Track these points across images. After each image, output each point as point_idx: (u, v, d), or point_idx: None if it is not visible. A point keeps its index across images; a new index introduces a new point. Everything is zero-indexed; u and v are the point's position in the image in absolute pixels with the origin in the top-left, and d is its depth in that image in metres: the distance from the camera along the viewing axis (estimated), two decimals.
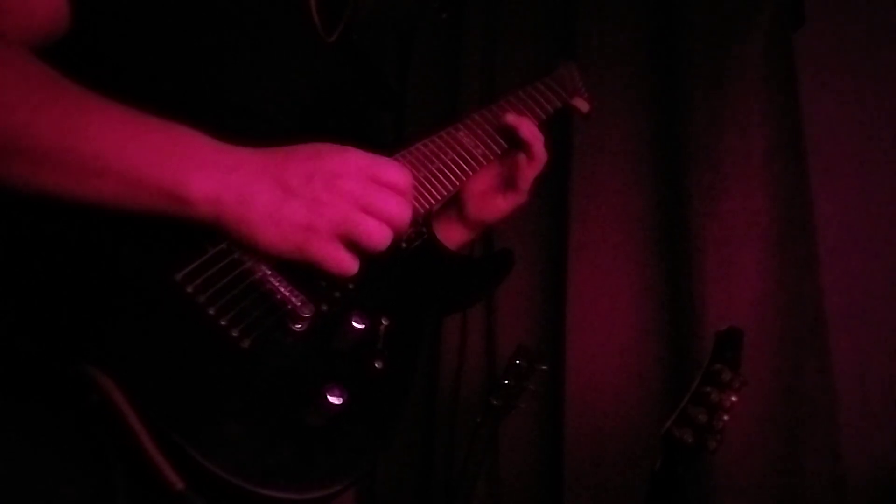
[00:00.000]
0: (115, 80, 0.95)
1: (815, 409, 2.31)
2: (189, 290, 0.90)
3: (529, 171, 1.40)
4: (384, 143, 1.27)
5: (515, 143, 1.39)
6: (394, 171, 0.98)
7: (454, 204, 1.43)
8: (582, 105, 1.57)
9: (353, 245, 0.95)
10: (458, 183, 1.30)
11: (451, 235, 1.42)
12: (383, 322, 1.05)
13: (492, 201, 1.41)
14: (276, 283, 0.96)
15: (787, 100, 2.46)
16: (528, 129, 1.37)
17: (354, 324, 1.00)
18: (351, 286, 1.05)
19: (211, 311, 0.90)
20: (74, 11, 0.97)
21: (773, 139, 2.46)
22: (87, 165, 0.86)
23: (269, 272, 0.96)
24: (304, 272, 0.98)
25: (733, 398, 1.62)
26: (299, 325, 0.96)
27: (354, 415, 0.95)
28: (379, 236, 0.95)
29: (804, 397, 2.33)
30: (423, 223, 1.24)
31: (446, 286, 1.31)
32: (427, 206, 1.24)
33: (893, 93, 2.44)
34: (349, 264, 0.95)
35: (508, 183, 1.40)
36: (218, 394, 0.87)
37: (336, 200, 0.93)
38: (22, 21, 0.94)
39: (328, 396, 0.91)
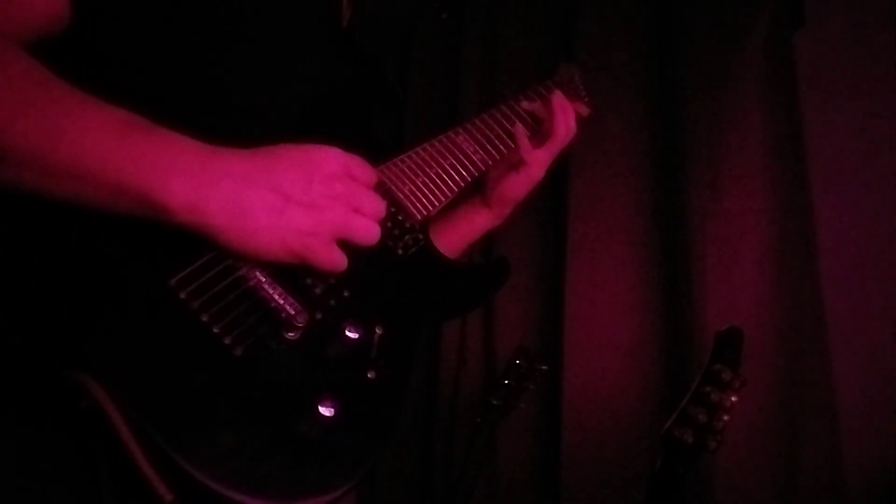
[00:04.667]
0: (114, 78, 0.95)
1: (815, 409, 2.31)
2: (182, 295, 0.89)
3: (543, 152, 1.41)
4: (385, 144, 1.27)
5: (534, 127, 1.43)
6: (365, 169, 1.02)
7: (477, 190, 1.44)
8: (581, 109, 1.55)
9: (344, 243, 0.98)
10: (455, 189, 1.29)
11: (478, 220, 1.45)
12: (377, 331, 1.05)
13: (510, 180, 1.41)
14: (271, 291, 0.95)
15: (787, 100, 2.46)
16: (558, 101, 1.41)
17: (348, 333, 1.00)
18: (346, 294, 1.04)
19: (204, 318, 0.89)
20: (74, 8, 0.97)
21: (773, 139, 2.46)
22: (66, 168, 0.85)
23: (263, 279, 0.96)
24: (298, 278, 0.99)
25: (733, 398, 1.62)
26: (293, 334, 0.95)
27: (347, 426, 0.94)
28: (373, 232, 1.00)
29: (804, 397, 2.33)
30: (419, 230, 1.22)
31: (442, 293, 1.29)
32: (425, 213, 1.23)
33: (893, 93, 2.44)
34: (343, 262, 0.98)
35: (521, 161, 1.41)
36: (209, 403, 0.86)
37: (333, 204, 0.96)
38: (20, 16, 0.94)
39: (320, 407, 0.91)
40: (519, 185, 1.41)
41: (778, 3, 2.48)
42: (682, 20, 2.58)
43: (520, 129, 1.39)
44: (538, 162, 1.41)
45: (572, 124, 1.43)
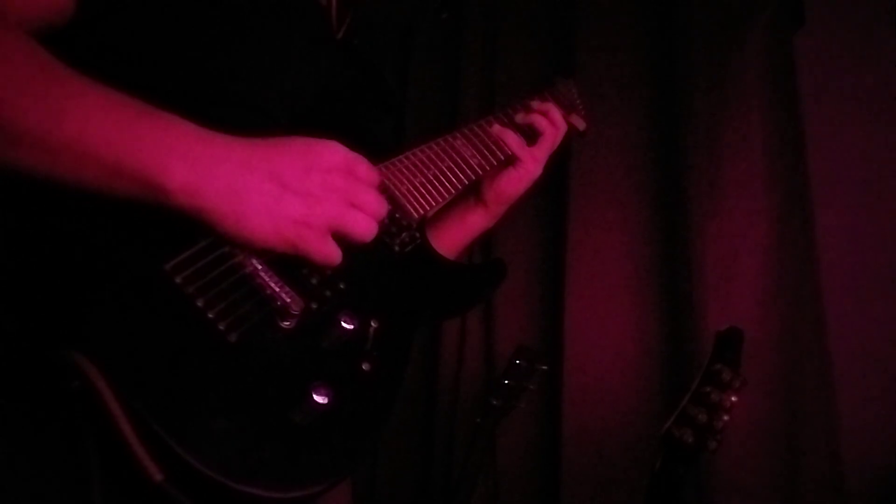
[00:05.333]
0: (118, 67, 0.95)
1: (815, 409, 2.31)
2: (178, 280, 0.89)
3: (536, 149, 1.45)
4: (384, 145, 1.27)
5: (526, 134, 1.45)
6: (368, 168, 1.02)
7: (472, 190, 1.45)
8: (578, 122, 1.59)
9: (339, 237, 0.98)
10: (452, 191, 1.31)
11: (473, 221, 1.45)
12: (373, 324, 1.05)
13: (506, 177, 1.43)
14: (267, 279, 0.96)
15: (787, 99, 2.46)
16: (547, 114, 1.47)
17: (343, 324, 1.00)
18: (342, 285, 1.05)
19: (199, 303, 0.90)
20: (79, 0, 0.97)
21: (773, 139, 2.46)
22: (66, 148, 0.86)
23: (259, 266, 0.96)
24: (294, 268, 0.99)
25: (733, 398, 1.62)
26: (288, 322, 0.96)
27: (340, 415, 0.94)
28: (367, 229, 0.99)
29: (804, 397, 2.33)
30: (416, 228, 1.23)
31: (438, 292, 1.30)
32: (421, 212, 1.24)
33: (893, 92, 2.44)
34: (337, 256, 0.98)
35: (515, 158, 1.43)
36: (202, 387, 0.86)
37: (329, 196, 0.95)
38: (23, 6, 0.94)
39: (314, 395, 0.91)
40: (515, 182, 1.44)
41: (778, 3, 2.48)
42: (682, 20, 2.58)
43: (508, 133, 1.42)
44: (532, 158, 1.43)
45: (557, 120, 1.48)
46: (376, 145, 1.21)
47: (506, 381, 2.34)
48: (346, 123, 1.23)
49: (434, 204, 1.27)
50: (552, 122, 1.47)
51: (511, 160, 1.43)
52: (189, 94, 1.02)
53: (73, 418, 0.84)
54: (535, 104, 1.50)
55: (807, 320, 2.36)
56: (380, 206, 1.01)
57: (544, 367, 2.39)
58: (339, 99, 1.24)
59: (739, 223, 2.45)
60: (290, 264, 0.98)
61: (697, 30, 2.55)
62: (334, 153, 0.98)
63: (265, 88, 1.12)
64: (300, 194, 0.93)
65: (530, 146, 1.44)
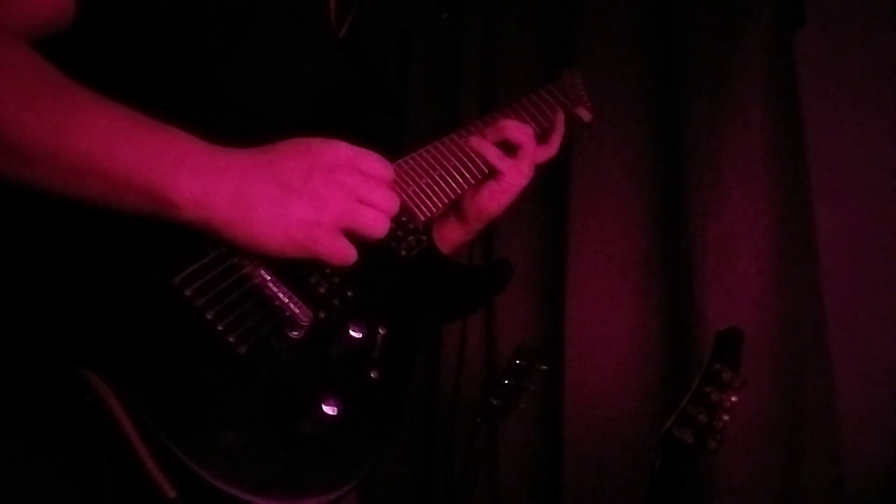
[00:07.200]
0: (118, 76, 0.95)
1: (815, 409, 2.31)
2: (187, 293, 0.89)
3: (520, 162, 1.37)
4: (387, 146, 1.27)
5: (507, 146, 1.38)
6: (378, 163, 0.99)
7: (452, 206, 1.40)
8: (584, 114, 1.57)
9: (351, 235, 0.96)
10: (459, 191, 1.30)
11: (450, 235, 1.41)
12: (381, 331, 1.05)
13: (487, 193, 1.37)
14: (275, 289, 0.96)
15: (788, 100, 2.46)
16: (518, 131, 1.37)
17: (352, 332, 1.00)
18: (350, 293, 1.05)
19: (209, 316, 0.90)
20: (80, 5, 0.97)
21: (773, 140, 2.46)
22: (73, 164, 0.85)
23: (268, 277, 0.96)
24: (302, 278, 0.99)
25: (733, 398, 1.62)
26: (296, 333, 0.96)
27: (349, 424, 0.95)
28: (379, 224, 0.97)
29: (804, 397, 2.33)
30: (422, 231, 1.23)
31: (445, 295, 1.30)
32: (428, 214, 1.24)
33: (893, 93, 2.44)
34: (351, 254, 0.96)
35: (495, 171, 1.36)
36: (213, 400, 0.87)
37: (335, 193, 0.94)
38: (26, 13, 0.94)
39: (323, 406, 0.92)
40: (497, 196, 1.37)
41: (778, 3, 2.48)
42: (682, 20, 2.58)
43: (484, 143, 1.35)
44: (517, 171, 1.37)
45: (526, 131, 1.39)
46: (379, 145, 1.21)
47: (506, 382, 2.34)
48: (348, 124, 1.22)
49: (441, 205, 1.27)
50: (524, 131, 1.38)
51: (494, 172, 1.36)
52: (191, 99, 1.02)
53: (85, 433, 0.84)
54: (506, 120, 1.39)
55: (807, 320, 2.36)
56: (390, 201, 0.99)
57: (544, 368, 2.39)
58: (341, 99, 1.23)
59: (739, 223, 2.45)
60: (297, 273, 0.97)
61: (697, 30, 2.54)
62: (335, 150, 0.96)
63: (267, 91, 1.11)
64: (304, 194, 0.92)
65: (512, 158, 1.37)
